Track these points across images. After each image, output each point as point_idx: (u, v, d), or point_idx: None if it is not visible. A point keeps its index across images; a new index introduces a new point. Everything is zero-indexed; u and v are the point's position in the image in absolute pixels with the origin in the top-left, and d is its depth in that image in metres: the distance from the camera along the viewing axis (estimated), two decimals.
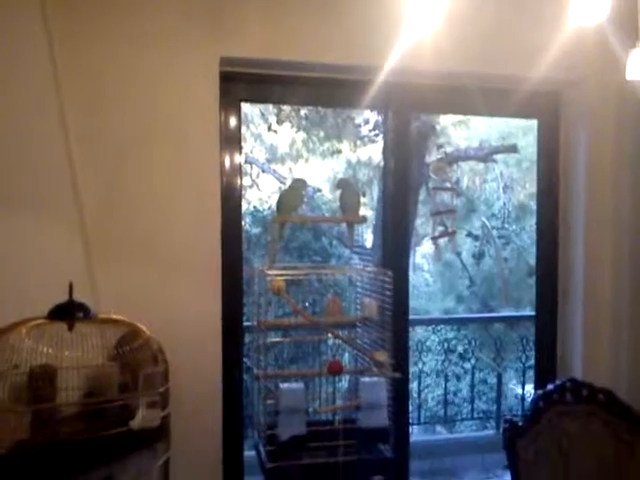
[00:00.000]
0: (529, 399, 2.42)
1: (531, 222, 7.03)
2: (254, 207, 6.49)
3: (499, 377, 5.26)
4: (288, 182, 6.41)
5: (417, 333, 5.53)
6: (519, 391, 5.54)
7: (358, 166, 7.12)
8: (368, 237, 5.64)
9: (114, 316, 1.92)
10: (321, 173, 7.31)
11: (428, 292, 8.22)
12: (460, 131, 7.02)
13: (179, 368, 2.04)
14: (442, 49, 2.30)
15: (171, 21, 2.27)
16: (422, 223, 7.06)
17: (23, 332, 1.77)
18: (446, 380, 4.96)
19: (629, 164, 2.72)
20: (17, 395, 1.73)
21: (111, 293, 2.16)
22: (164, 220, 2.29)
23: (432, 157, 6.28)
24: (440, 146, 6.54)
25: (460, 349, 6.03)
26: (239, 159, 2.50)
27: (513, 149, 6.73)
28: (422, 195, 6.29)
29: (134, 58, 2.25)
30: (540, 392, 2.16)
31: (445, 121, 6.70)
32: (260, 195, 6.87)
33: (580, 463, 2.09)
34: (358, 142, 6.84)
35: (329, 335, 2.41)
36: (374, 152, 6.67)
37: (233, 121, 2.48)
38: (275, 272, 2.24)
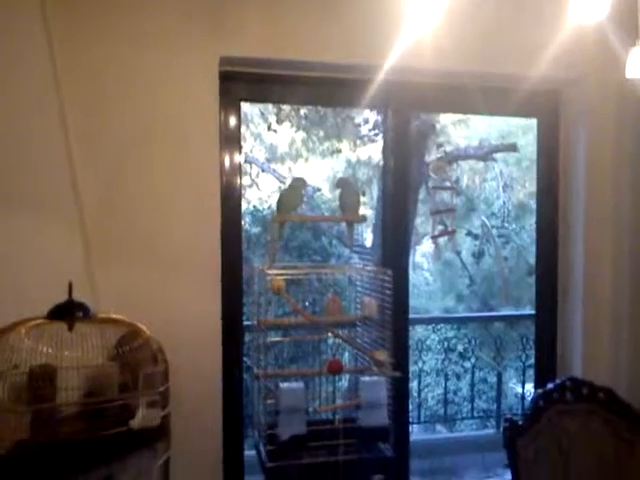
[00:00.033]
0: (529, 398, 2.42)
1: (531, 221, 7.03)
2: (254, 207, 6.49)
3: (499, 376, 5.26)
4: (288, 181, 6.41)
5: (417, 332, 5.53)
6: (519, 390, 5.53)
7: (358, 165, 7.12)
8: (368, 236, 5.64)
9: (114, 316, 1.92)
10: (321, 172, 7.31)
11: (428, 291, 8.22)
12: (460, 130, 7.02)
13: (179, 368, 2.04)
14: (442, 48, 2.30)
15: (171, 21, 2.27)
16: (422, 222, 7.06)
17: (23, 332, 1.77)
18: (446, 379, 4.96)
19: (629, 162, 2.72)
20: (17, 395, 1.73)
21: (111, 293, 2.16)
22: (164, 220, 2.29)
23: (432, 156, 6.28)
24: (440, 145, 6.53)
25: (460, 348, 6.03)
26: (239, 159, 2.50)
27: (513, 148, 6.72)
28: (422, 194, 6.29)
29: (134, 58, 2.25)
30: (540, 391, 2.16)
31: (445, 120, 6.70)
32: (260, 195, 6.87)
33: (580, 462, 2.09)
34: (358, 141, 6.84)
35: (329, 334, 2.41)
36: (374, 151, 6.67)
37: (233, 120, 2.48)
38: (275, 271, 2.24)
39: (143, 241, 2.27)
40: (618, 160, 2.71)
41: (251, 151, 6.91)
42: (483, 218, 7.73)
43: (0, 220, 2.12)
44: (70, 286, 1.82)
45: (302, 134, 6.93)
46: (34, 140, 2.16)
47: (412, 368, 4.43)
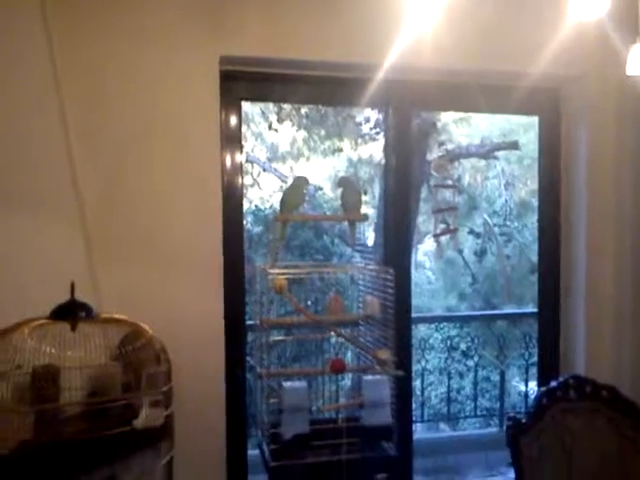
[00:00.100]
0: (532, 396, 2.42)
1: (533, 219, 7.03)
2: (255, 206, 6.49)
3: (502, 374, 5.25)
4: (289, 181, 6.41)
5: (420, 331, 5.53)
6: (522, 388, 5.52)
7: (359, 164, 7.12)
8: (370, 235, 5.63)
9: (116, 316, 1.91)
10: (322, 171, 7.31)
11: (430, 290, 8.22)
12: (461, 128, 7.02)
13: (182, 367, 2.04)
14: (442, 46, 2.30)
15: (171, 18, 2.27)
16: (424, 221, 7.06)
17: (26, 332, 1.77)
18: (449, 378, 4.95)
19: (630, 159, 2.71)
20: (20, 395, 1.73)
21: (113, 292, 2.16)
22: (165, 219, 2.29)
23: (433, 154, 6.27)
24: (441, 143, 6.53)
25: (463, 347, 6.02)
26: (240, 158, 2.50)
27: (514, 146, 6.71)
28: (424, 193, 6.28)
29: (134, 55, 2.25)
30: (543, 389, 2.15)
31: (446, 118, 6.70)
32: (261, 194, 6.86)
33: (584, 460, 2.09)
34: (359, 140, 6.83)
35: (332, 333, 2.41)
36: (375, 150, 6.67)
37: (234, 120, 2.48)
38: (277, 271, 2.24)
39: (145, 240, 2.27)
40: (619, 157, 2.70)
41: (252, 150, 6.92)
42: (485, 216, 7.72)
43: (0, 219, 2.12)
44: (72, 286, 1.82)
45: (303, 133, 6.93)
46: (34, 138, 2.16)
47: (415, 367, 4.42)
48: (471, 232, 7.52)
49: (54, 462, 1.65)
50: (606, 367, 2.68)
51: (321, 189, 6.79)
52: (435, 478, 4.09)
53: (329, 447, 2.21)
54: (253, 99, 2.86)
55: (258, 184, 6.93)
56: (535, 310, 3.05)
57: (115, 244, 2.24)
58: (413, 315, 2.78)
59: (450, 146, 6.65)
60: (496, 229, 7.69)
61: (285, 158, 7.22)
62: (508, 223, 7.70)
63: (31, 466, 1.64)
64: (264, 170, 6.97)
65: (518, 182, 7.84)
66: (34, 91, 2.16)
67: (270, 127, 6.54)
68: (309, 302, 4.25)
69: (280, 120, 6.47)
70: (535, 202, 4.44)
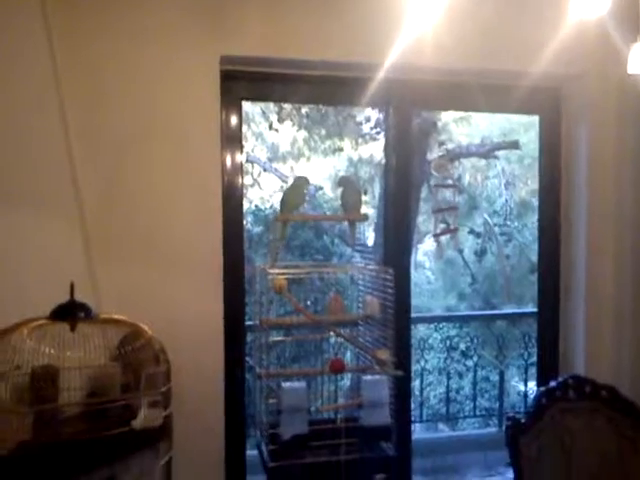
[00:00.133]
0: (531, 396, 2.41)
1: (533, 219, 7.03)
2: (255, 206, 6.48)
3: (501, 374, 5.25)
4: (290, 181, 6.41)
5: (419, 331, 5.52)
6: (521, 388, 5.52)
7: (359, 164, 7.12)
8: (370, 235, 5.63)
9: (116, 316, 1.91)
10: (323, 171, 7.30)
11: (430, 290, 8.22)
12: (461, 128, 7.01)
13: (181, 368, 2.04)
14: (442, 45, 2.30)
15: (171, 17, 2.27)
16: (424, 220, 7.05)
17: (25, 333, 1.77)
18: (448, 378, 4.95)
19: (631, 158, 2.71)
20: (19, 396, 1.73)
21: (112, 293, 2.16)
22: (165, 219, 2.29)
23: (434, 154, 6.26)
24: (442, 143, 6.52)
25: (462, 346, 6.01)
26: (240, 158, 2.50)
27: (515, 145, 6.70)
28: (424, 192, 6.27)
29: (134, 54, 2.25)
30: (543, 389, 2.15)
31: (446, 117, 6.69)
32: (262, 194, 6.86)
33: (583, 460, 2.09)
34: (359, 140, 6.83)
35: (331, 333, 2.41)
36: (375, 150, 6.66)
37: (234, 120, 2.47)
38: (277, 271, 2.24)
39: (144, 240, 2.27)
40: (620, 156, 2.70)
41: (253, 150, 6.91)
42: (485, 216, 7.72)
43: (0, 217, 2.12)
44: (72, 286, 1.82)
45: (304, 133, 6.93)
46: (34, 137, 2.16)
47: (414, 367, 4.43)
48: (471, 232, 7.52)
49: (53, 463, 1.65)
50: (606, 367, 2.67)
51: (321, 189, 6.79)
52: (434, 478, 4.09)
53: (328, 447, 2.20)
54: (253, 99, 2.86)
55: (258, 184, 6.92)
56: (535, 310, 3.05)
57: (115, 244, 2.24)
58: (412, 315, 2.78)
59: (450, 146, 6.65)
60: (496, 229, 7.68)
61: (285, 158, 7.21)
62: (508, 223, 7.70)
63: (30, 467, 1.64)
64: (264, 170, 6.96)
65: (518, 182, 7.83)
66: (34, 90, 2.16)
67: (270, 127, 6.53)
68: (309, 302, 4.25)
69: (280, 120, 6.46)
70: (535, 202, 4.44)
